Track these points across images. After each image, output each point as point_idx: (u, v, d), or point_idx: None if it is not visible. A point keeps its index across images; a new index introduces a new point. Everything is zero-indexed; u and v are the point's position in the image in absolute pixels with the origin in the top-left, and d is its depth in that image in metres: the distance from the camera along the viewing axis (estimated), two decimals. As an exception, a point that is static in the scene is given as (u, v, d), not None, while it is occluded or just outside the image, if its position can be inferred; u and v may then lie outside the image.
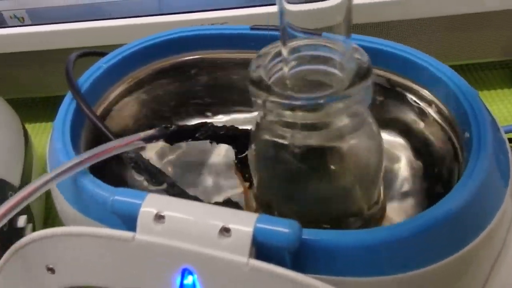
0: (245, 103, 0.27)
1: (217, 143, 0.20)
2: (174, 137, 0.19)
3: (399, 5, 0.30)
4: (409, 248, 0.15)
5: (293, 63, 0.17)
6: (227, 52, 0.25)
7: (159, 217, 0.15)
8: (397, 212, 0.21)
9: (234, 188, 0.24)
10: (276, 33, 0.23)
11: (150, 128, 0.26)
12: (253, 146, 0.19)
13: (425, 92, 0.21)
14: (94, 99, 0.23)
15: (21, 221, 0.25)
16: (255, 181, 0.20)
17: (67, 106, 0.22)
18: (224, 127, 0.20)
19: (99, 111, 0.23)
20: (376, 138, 0.18)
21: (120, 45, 0.31)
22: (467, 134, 0.19)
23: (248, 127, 0.24)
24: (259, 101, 0.16)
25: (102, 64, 0.23)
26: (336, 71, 0.17)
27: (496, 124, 0.20)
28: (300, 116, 0.16)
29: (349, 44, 0.17)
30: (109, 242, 0.16)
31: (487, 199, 0.17)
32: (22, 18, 0.32)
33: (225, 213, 0.15)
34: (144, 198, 0.16)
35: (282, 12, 0.16)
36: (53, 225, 0.31)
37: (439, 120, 0.21)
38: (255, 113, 0.27)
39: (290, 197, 0.19)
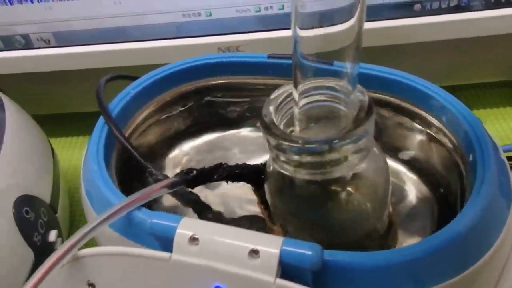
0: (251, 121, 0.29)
1: (233, 181, 0.22)
2: (194, 182, 0.21)
3: (405, 30, 0.32)
4: (420, 268, 0.17)
5: (303, 102, 0.18)
6: (247, 77, 0.26)
7: (193, 239, 0.17)
8: (407, 234, 0.22)
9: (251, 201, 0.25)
10: (291, 61, 0.25)
11: (174, 145, 0.28)
12: (268, 181, 0.20)
13: (433, 120, 0.23)
14: (124, 122, 0.25)
15: (52, 235, 0.26)
16: (272, 211, 0.21)
17: (100, 129, 0.23)
18: (237, 166, 0.22)
19: (127, 132, 0.25)
20: (381, 160, 0.20)
21: (141, 66, 0.33)
22: (471, 158, 0.21)
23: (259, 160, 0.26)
24: (272, 143, 0.18)
25: (131, 90, 0.25)
26: (341, 107, 0.18)
27: (497, 149, 0.21)
28: (309, 159, 0.17)
29: (356, 78, 0.18)
30: (147, 261, 0.17)
31: (492, 220, 0.19)
32: (48, 40, 0.34)
33: (254, 236, 0.17)
34: (179, 221, 0.17)
35: (296, 42, 0.17)
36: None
37: (446, 145, 0.22)
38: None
39: (304, 226, 0.20)
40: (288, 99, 0.19)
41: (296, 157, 0.17)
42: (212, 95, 0.27)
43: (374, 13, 0.32)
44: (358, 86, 0.18)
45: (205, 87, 0.27)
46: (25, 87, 0.36)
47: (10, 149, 0.25)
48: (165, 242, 0.18)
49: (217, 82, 0.26)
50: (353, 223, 0.20)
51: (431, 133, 0.23)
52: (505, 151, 0.23)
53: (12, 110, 0.28)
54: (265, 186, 0.21)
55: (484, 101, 0.39)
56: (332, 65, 0.17)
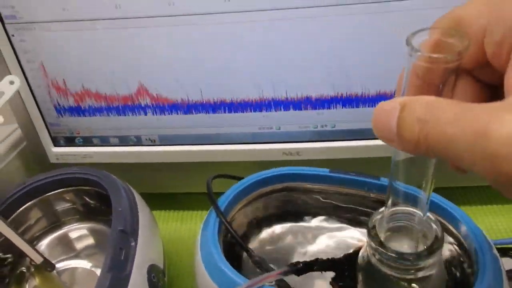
0: (317, 215, 0.39)
1: (326, 271, 0.31)
2: (300, 271, 0.30)
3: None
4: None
5: (393, 218, 0.27)
6: (313, 184, 0.37)
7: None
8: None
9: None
10: (347, 176, 0.36)
11: (260, 229, 0.38)
12: (361, 270, 0.28)
13: (446, 223, 0.32)
14: (227, 213, 0.35)
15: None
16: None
17: (214, 220, 0.33)
18: (328, 260, 0.31)
19: (228, 219, 0.35)
20: (442, 266, 0.28)
21: (225, 163, 0.44)
22: (474, 255, 0.30)
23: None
24: (373, 246, 0.26)
25: (233, 190, 0.35)
26: (415, 225, 0.27)
27: (491, 246, 0.30)
28: (397, 264, 0.26)
29: (427, 209, 0.26)
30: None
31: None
32: (154, 140, 0.45)
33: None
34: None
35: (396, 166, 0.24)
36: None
37: (456, 245, 0.32)
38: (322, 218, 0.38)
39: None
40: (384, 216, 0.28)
41: (387, 261, 0.26)
42: (288, 195, 0.37)
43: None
44: (433, 217, 0.26)
45: (284, 188, 0.37)
46: (134, 172, 0.46)
47: (143, 231, 0.36)
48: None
49: (292, 185, 0.37)
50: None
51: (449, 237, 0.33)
52: (496, 245, 0.32)
53: (138, 198, 0.39)
54: (359, 273, 0.29)
55: (475, 199, 0.49)
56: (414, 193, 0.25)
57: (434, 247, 0.26)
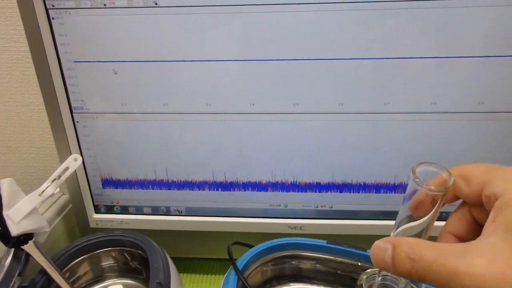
0: (315, 279, 0.47)
1: None
2: None
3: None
4: None
5: (379, 280, 0.35)
6: (313, 252, 0.45)
7: None
8: None
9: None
10: (341, 247, 0.44)
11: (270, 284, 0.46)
12: None
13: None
14: (243, 272, 0.43)
15: None
16: None
17: (233, 277, 0.41)
18: None
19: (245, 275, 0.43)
20: None
21: (239, 233, 0.52)
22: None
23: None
24: None
25: (248, 255, 0.44)
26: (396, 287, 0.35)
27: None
28: None
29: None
30: None
31: None
32: (181, 211, 0.54)
33: None
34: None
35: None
36: None
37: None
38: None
39: None
40: (371, 276, 0.36)
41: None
42: (292, 261, 0.46)
43: (375, 215, 0.52)
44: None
45: (289, 255, 0.45)
46: (161, 238, 0.54)
47: (173, 284, 0.43)
48: None
49: (296, 253, 0.45)
50: None
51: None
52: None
53: (168, 257, 0.47)
54: None
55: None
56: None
57: None
